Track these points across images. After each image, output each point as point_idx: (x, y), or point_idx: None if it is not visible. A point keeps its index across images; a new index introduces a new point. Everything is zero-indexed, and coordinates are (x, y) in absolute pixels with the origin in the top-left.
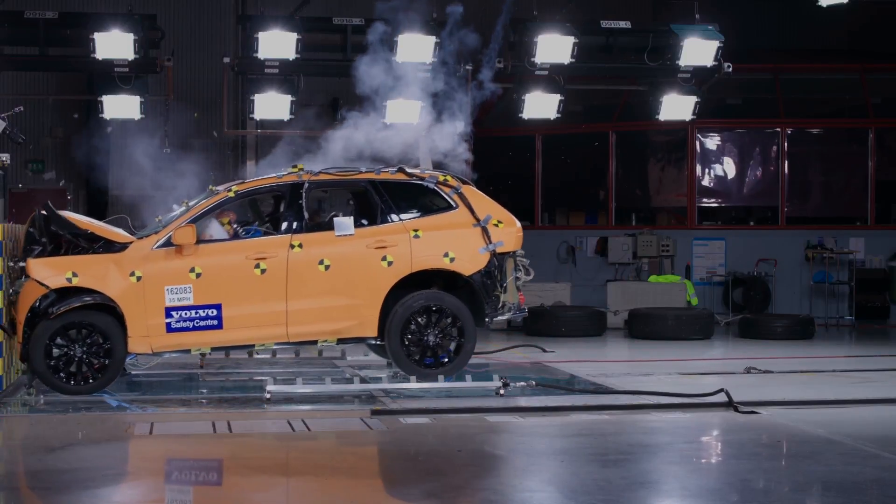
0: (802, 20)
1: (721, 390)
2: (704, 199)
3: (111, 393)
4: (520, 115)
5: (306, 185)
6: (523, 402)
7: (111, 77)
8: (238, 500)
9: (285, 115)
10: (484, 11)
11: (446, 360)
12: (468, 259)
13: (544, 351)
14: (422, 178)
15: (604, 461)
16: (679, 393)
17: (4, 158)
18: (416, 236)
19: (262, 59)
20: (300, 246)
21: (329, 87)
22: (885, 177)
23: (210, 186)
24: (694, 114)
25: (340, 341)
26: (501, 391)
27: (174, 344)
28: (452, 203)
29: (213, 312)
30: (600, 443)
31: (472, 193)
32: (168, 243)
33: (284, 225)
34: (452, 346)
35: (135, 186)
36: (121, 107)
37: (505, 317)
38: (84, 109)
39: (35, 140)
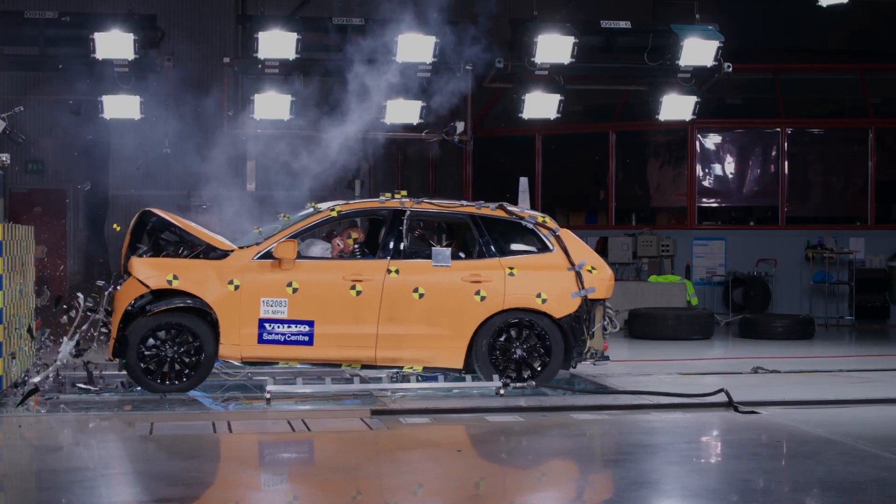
0: (802, 20)
1: (721, 390)
2: (704, 199)
3: (202, 392)
4: (520, 115)
5: (408, 212)
6: (523, 402)
7: (111, 77)
8: (241, 499)
9: (285, 115)
10: (484, 10)
11: (530, 376)
12: (560, 302)
13: None
14: (521, 218)
15: (604, 461)
16: (679, 393)
17: (4, 158)
18: (511, 274)
19: (262, 59)
20: (397, 272)
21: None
22: (885, 177)
23: (312, 204)
24: (694, 114)
25: (426, 370)
26: (501, 391)
27: (263, 355)
28: (549, 245)
29: (305, 328)
30: (600, 443)
31: (569, 237)
32: (268, 256)
33: (383, 249)
34: (538, 364)
35: (134, 186)
36: (121, 107)
37: (588, 362)
38: (84, 109)
39: (35, 140)
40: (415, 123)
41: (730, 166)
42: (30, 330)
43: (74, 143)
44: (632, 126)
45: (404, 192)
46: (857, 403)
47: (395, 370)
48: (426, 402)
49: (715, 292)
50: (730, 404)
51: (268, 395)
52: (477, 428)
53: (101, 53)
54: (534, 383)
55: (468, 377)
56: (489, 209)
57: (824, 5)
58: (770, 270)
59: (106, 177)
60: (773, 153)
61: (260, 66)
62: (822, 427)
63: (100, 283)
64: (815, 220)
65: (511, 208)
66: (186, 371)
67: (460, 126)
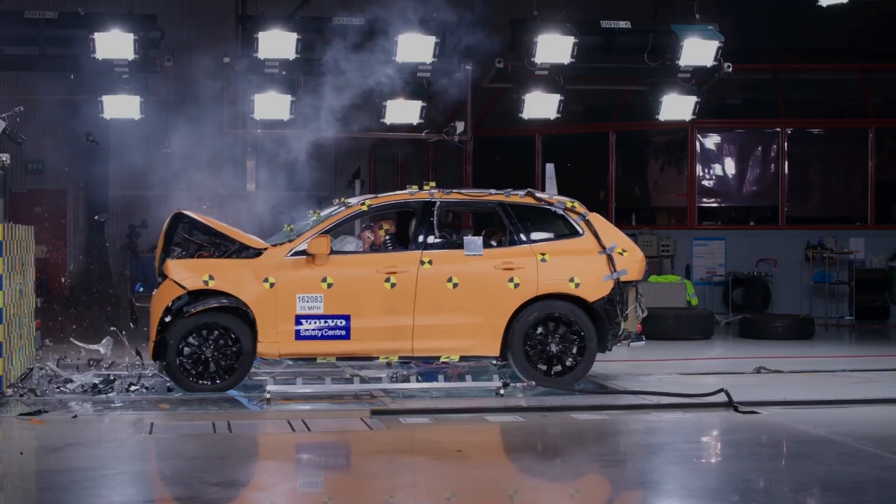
0: (802, 20)
1: (721, 390)
2: (704, 199)
3: (239, 391)
4: (520, 115)
5: (438, 203)
6: (523, 402)
7: (111, 77)
8: (243, 499)
9: (285, 115)
10: (484, 10)
11: (565, 368)
12: (593, 285)
13: None
14: (550, 203)
15: (604, 461)
16: (679, 393)
17: (4, 158)
18: (543, 260)
19: (262, 59)
20: (430, 263)
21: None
22: (885, 177)
23: (342, 199)
24: (694, 114)
25: (462, 359)
26: (501, 391)
27: (301, 351)
28: (579, 229)
29: (341, 323)
30: (600, 443)
31: (599, 221)
32: (302, 252)
33: (415, 241)
34: (574, 354)
35: (134, 186)
36: (120, 107)
37: (624, 344)
38: (84, 109)
39: (35, 140)
40: (415, 123)
41: (730, 166)
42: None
43: (75, 143)
44: (632, 126)
45: (433, 184)
46: (857, 403)
47: (395, 371)
48: (426, 401)
49: (715, 292)
50: (730, 404)
51: (267, 395)
52: (477, 428)
53: (101, 53)
54: (533, 383)
55: (468, 377)
56: (518, 197)
57: (824, 5)
58: (770, 270)
59: (106, 177)
60: (773, 153)
61: (260, 66)
62: (822, 427)
63: (109, 327)
64: (815, 220)
65: (539, 195)
66: (226, 370)
67: (460, 126)
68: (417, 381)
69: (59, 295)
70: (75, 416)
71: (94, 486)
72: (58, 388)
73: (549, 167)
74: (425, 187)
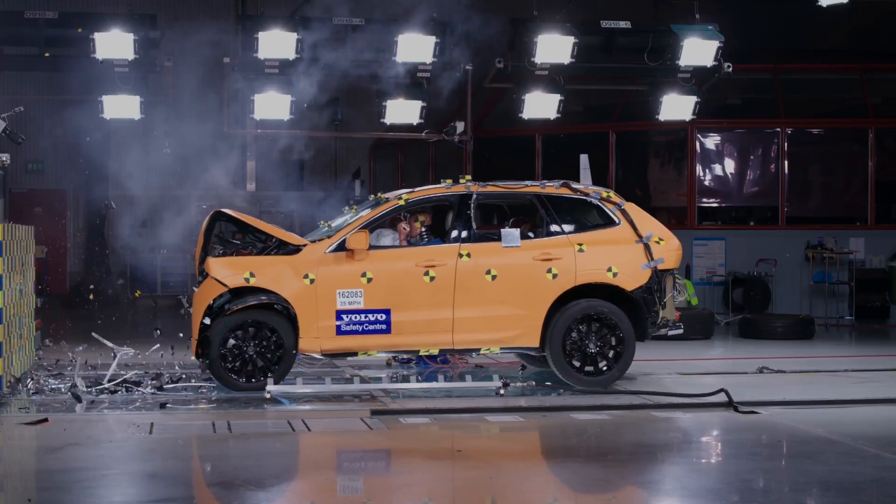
0: (802, 20)
1: (721, 390)
2: (704, 199)
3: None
4: (520, 115)
5: (474, 196)
6: (523, 402)
7: (111, 77)
8: (243, 500)
9: (285, 115)
10: (484, 10)
11: (606, 368)
12: (630, 274)
13: None
14: (586, 194)
15: (604, 461)
16: (679, 393)
17: (4, 158)
18: (581, 250)
19: (262, 59)
20: (468, 255)
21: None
22: (885, 177)
23: (379, 194)
24: (694, 114)
25: (502, 350)
26: (501, 391)
27: (343, 346)
28: (615, 219)
29: (382, 317)
30: (600, 443)
31: (635, 210)
32: (341, 248)
33: (453, 234)
34: (611, 355)
35: (134, 186)
36: (121, 107)
37: (662, 332)
38: (84, 110)
39: (35, 140)
40: (415, 123)
41: (730, 166)
42: None
43: (74, 144)
44: (632, 126)
45: (469, 177)
46: (857, 403)
47: (395, 370)
48: (426, 401)
49: (715, 292)
50: (730, 404)
51: (267, 395)
52: (477, 428)
53: (101, 53)
54: (533, 383)
55: (468, 377)
56: (553, 188)
57: (824, 5)
58: (770, 270)
59: (106, 177)
60: (773, 153)
61: (260, 66)
62: (822, 427)
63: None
64: (815, 220)
65: (575, 185)
66: (268, 367)
67: (460, 126)
68: (417, 381)
69: (58, 294)
70: (92, 392)
71: (94, 486)
72: (54, 388)
73: (584, 158)
74: (461, 180)
